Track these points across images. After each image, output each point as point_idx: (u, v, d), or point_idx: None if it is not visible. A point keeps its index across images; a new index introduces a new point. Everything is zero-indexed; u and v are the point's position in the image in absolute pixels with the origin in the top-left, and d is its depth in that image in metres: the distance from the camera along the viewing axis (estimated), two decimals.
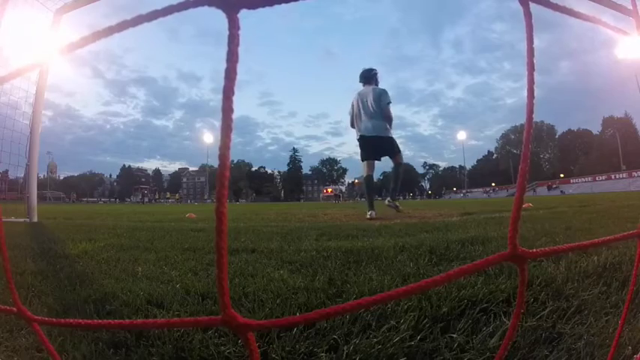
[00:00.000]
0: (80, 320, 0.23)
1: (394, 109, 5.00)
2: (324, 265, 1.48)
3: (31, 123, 4.46)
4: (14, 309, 0.25)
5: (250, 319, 0.19)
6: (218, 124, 0.18)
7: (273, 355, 0.73)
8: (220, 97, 0.17)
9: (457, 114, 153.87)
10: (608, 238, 0.26)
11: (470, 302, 0.93)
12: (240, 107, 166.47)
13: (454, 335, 0.78)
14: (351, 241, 2.15)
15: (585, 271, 1.18)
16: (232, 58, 0.17)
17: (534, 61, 0.21)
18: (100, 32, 0.19)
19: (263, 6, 0.18)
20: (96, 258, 1.81)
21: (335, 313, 0.19)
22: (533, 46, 0.20)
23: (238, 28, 0.17)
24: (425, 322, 0.83)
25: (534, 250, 0.23)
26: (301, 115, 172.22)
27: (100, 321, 0.22)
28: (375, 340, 0.77)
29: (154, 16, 0.18)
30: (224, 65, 0.17)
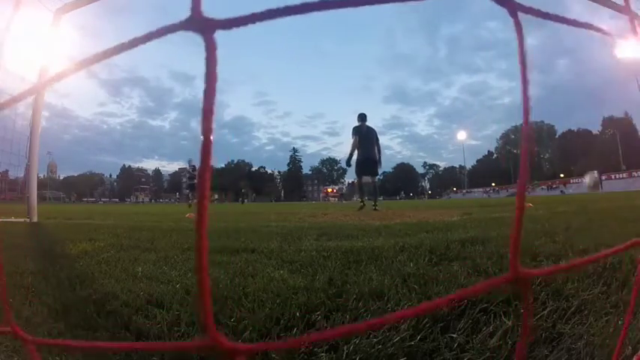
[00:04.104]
0: (76, 342, 0.22)
1: (391, 109, 5.44)
2: (324, 265, 1.48)
3: (31, 123, 4.46)
4: (9, 329, 0.25)
5: (238, 344, 0.18)
6: (214, 124, 0.18)
7: (274, 355, 0.73)
8: (216, 97, 0.17)
9: (454, 113, 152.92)
10: (608, 251, 0.26)
11: (470, 302, 0.93)
12: (236, 107, 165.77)
13: (454, 335, 0.78)
14: (351, 241, 2.15)
15: (585, 271, 1.18)
16: (211, 78, 0.17)
17: (529, 69, 0.21)
18: (84, 61, 0.20)
19: (237, 26, 0.18)
20: (96, 258, 1.81)
21: (330, 336, 0.18)
22: (525, 49, 0.20)
23: (215, 49, 0.17)
24: (425, 322, 0.83)
25: (535, 270, 0.22)
26: (297, 115, 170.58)
27: (93, 343, 0.22)
28: (375, 340, 0.77)
29: (135, 44, 0.19)
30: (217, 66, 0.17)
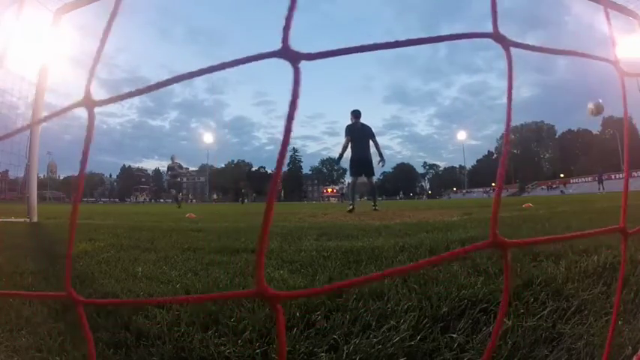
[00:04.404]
0: (122, 300, 0.24)
1: (391, 109, 5.23)
2: (324, 265, 1.48)
3: (31, 123, 4.46)
4: (65, 293, 0.27)
5: (279, 291, 0.22)
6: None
7: (273, 355, 0.73)
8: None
9: (454, 113, 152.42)
10: (590, 231, 0.27)
11: (470, 302, 0.93)
12: (235, 107, 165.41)
13: (454, 335, 0.78)
14: (351, 241, 2.15)
15: (585, 271, 1.18)
16: (295, 96, 0.21)
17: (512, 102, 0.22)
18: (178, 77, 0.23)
19: (318, 58, 0.22)
20: (96, 258, 1.81)
21: (357, 283, 0.22)
22: (513, 82, 0.22)
23: (300, 74, 0.22)
24: (425, 322, 0.83)
25: (513, 240, 0.25)
26: (297, 115, 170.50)
27: (136, 300, 0.25)
28: (375, 340, 0.77)
29: (226, 66, 0.22)
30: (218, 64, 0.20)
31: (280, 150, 0.21)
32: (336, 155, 6.96)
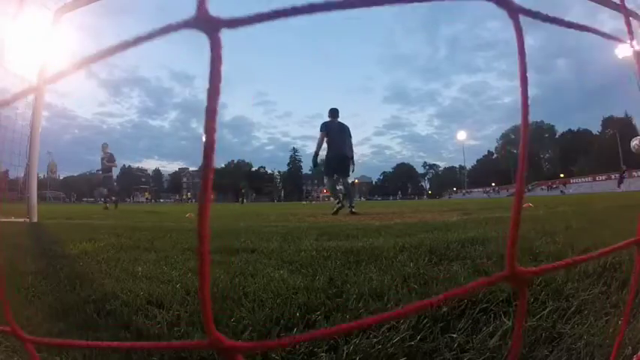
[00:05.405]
0: (74, 341, 0.22)
1: (391, 109, 5.01)
2: (324, 265, 1.48)
3: (31, 123, 4.46)
4: (8, 328, 0.25)
5: (237, 342, 0.18)
6: (217, 124, 0.18)
7: (274, 355, 0.73)
8: (219, 97, 0.17)
9: (454, 113, 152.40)
10: (606, 249, 0.26)
11: (470, 302, 0.93)
12: (235, 107, 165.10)
13: (454, 335, 0.78)
14: (351, 241, 2.15)
15: (585, 271, 1.18)
16: (215, 77, 0.17)
17: (527, 70, 0.20)
18: (86, 59, 0.20)
19: (243, 25, 0.17)
20: (96, 258, 1.81)
21: (321, 335, 0.19)
22: (525, 52, 0.20)
23: (220, 47, 0.17)
24: (425, 322, 0.83)
25: (532, 268, 0.21)
26: (297, 115, 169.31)
27: (92, 342, 0.22)
28: (375, 340, 0.77)
29: (139, 42, 0.18)
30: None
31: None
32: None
